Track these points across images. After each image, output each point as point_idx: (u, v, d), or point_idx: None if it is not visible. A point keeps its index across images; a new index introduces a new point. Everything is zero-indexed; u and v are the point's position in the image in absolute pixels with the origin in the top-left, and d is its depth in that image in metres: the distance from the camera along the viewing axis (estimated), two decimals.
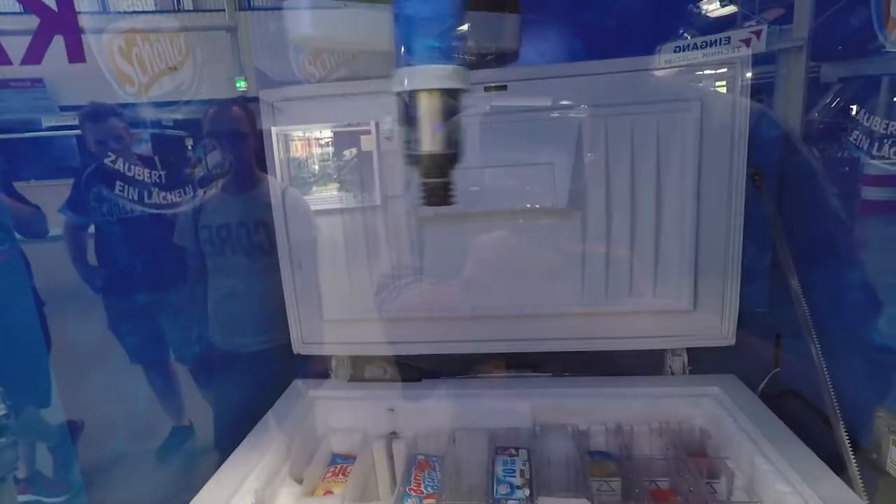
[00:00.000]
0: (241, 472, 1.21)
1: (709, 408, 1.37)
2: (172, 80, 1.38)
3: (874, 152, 1.12)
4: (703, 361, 1.49)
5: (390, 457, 1.51)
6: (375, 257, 1.54)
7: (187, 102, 1.46)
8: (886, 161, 1.08)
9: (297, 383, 1.64)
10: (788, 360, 1.39)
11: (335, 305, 1.58)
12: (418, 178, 0.88)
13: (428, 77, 0.80)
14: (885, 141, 1.09)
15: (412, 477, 1.37)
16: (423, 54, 0.81)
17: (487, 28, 1.50)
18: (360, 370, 1.68)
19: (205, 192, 1.47)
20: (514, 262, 1.46)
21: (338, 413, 1.57)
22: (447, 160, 0.85)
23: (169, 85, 1.37)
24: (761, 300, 1.48)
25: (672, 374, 1.49)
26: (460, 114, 0.84)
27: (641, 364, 1.53)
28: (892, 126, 1.07)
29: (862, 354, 1.13)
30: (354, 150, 1.52)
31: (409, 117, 0.84)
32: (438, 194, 0.91)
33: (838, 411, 1.10)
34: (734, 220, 1.37)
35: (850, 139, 1.28)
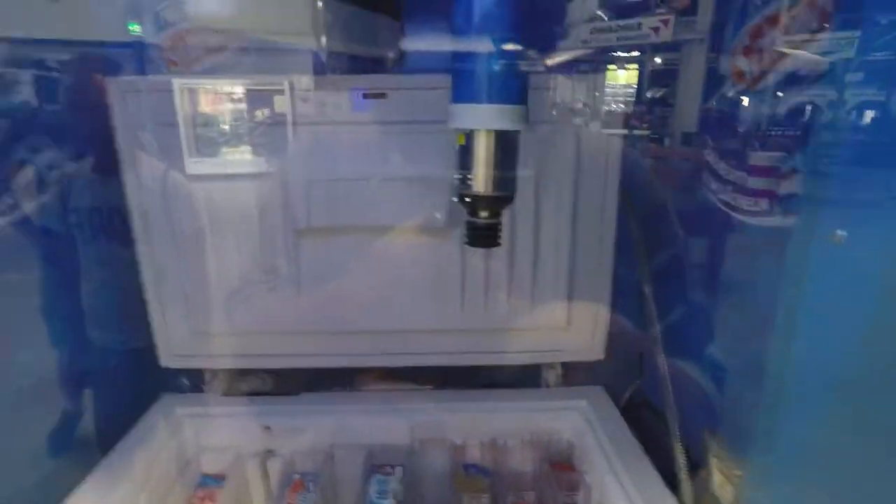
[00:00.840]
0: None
1: (575, 420, 1.45)
2: None
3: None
4: (578, 373, 1.57)
5: (266, 477, 1.46)
6: (249, 268, 1.45)
7: None
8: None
9: (166, 398, 1.53)
10: (649, 373, 1.50)
11: (206, 316, 1.48)
12: (467, 217, 0.87)
13: (488, 117, 0.79)
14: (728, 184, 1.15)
15: (285, 499, 1.34)
16: (485, 93, 0.79)
17: (368, 31, 1.42)
18: (236, 383, 1.60)
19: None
20: (393, 277, 1.43)
21: (210, 431, 1.49)
22: (500, 202, 0.85)
23: None
24: (631, 316, 1.56)
25: (547, 386, 1.55)
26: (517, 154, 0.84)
27: (520, 376, 1.58)
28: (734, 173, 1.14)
29: (702, 373, 1.23)
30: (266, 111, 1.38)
31: (463, 155, 0.83)
32: (485, 236, 0.90)
33: (678, 431, 1.19)
34: (606, 241, 1.43)
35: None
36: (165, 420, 1.45)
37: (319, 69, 1.36)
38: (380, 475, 1.37)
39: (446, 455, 1.41)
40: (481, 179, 0.84)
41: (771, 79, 1.06)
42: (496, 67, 0.81)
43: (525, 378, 1.58)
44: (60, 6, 1.57)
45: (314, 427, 1.46)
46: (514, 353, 1.50)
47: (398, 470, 1.39)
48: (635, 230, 1.40)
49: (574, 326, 1.49)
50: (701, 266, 1.37)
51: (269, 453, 1.48)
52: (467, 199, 0.88)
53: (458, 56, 0.84)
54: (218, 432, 1.49)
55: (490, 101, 0.80)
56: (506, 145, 0.84)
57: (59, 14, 1.56)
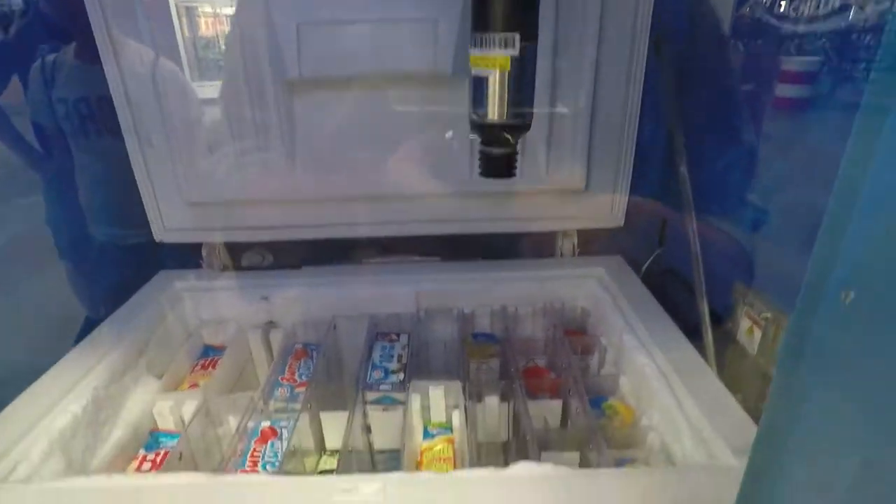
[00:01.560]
0: (79, 368, 1.08)
1: (591, 288, 1.36)
2: None
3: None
4: (594, 244, 1.47)
5: (269, 348, 1.42)
6: (239, 130, 1.33)
7: None
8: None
9: (162, 274, 1.47)
10: (671, 241, 1.39)
11: (197, 186, 1.38)
12: (480, 146, 0.84)
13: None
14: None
15: (287, 366, 1.30)
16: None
17: None
18: (235, 259, 1.53)
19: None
20: (397, 137, 1.30)
21: (209, 304, 1.44)
22: (515, 130, 0.80)
23: None
24: (654, 181, 1.44)
25: (562, 255, 1.46)
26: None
27: (533, 247, 1.48)
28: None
29: (735, 233, 1.11)
30: None
31: (476, 81, 0.79)
32: (499, 166, 0.86)
33: (704, 286, 1.10)
34: (632, 96, 1.27)
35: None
36: (163, 293, 1.39)
37: None
38: (384, 342, 1.31)
39: (454, 324, 1.34)
40: (495, 109, 0.80)
41: None
42: None
43: (538, 249, 1.48)
44: None
45: (316, 298, 1.40)
46: (527, 219, 1.39)
47: (403, 337, 1.33)
48: (668, 81, 1.24)
49: (593, 190, 1.37)
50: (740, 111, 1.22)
51: (270, 325, 1.43)
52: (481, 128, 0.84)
53: None
54: (218, 305, 1.43)
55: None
56: (520, 72, 0.79)
57: None
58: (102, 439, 1.05)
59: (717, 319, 1.09)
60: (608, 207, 1.39)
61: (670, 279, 1.34)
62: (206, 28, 1.41)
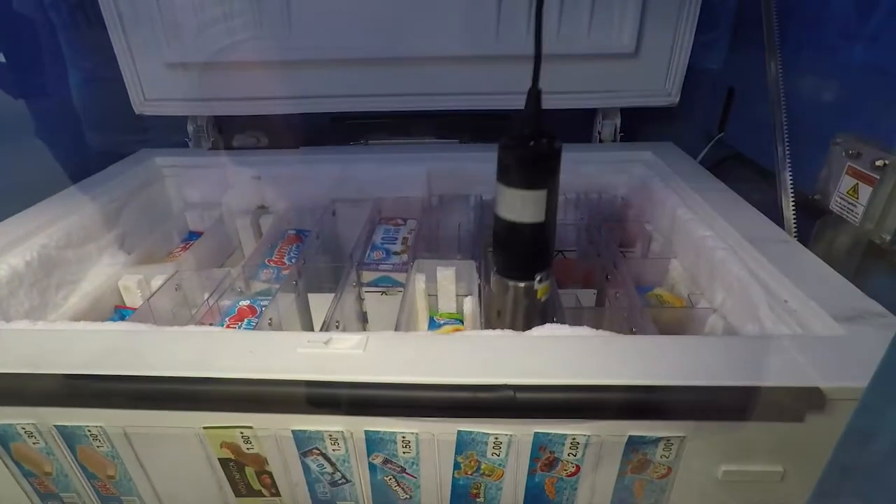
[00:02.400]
0: (30, 225, 0.92)
1: (637, 174, 1.14)
2: None
3: None
4: (638, 127, 1.24)
5: (259, 234, 1.25)
6: None
7: None
8: None
9: (143, 152, 1.31)
10: (739, 121, 1.15)
11: (180, 43, 1.19)
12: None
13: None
14: None
15: (276, 250, 1.12)
16: None
17: None
18: (225, 138, 1.35)
19: None
20: None
21: (194, 185, 1.28)
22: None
23: None
24: (717, 54, 1.19)
25: (601, 141, 1.24)
26: None
27: (567, 129, 1.26)
28: None
29: (833, 79, 0.87)
30: None
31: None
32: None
33: (786, 132, 0.87)
34: None
35: None
36: (142, 168, 1.23)
37: None
38: (388, 225, 1.13)
39: (470, 212, 1.15)
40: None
41: None
42: None
43: (576, 134, 1.27)
44: None
45: (313, 180, 1.21)
46: (563, 93, 1.16)
47: (411, 222, 1.14)
48: None
49: (644, 56, 1.13)
50: None
51: (261, 209, 1.26)
52: None
53: None
54: (202, 186, 1.27)
55: None
56: None
57: None
58: (55, 305, 0.91)
59: (802, 198, 0.86)
60: (661, 81, 1.16)
61: (736, 166, 1.11)
62: None
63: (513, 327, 0.72)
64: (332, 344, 0.58)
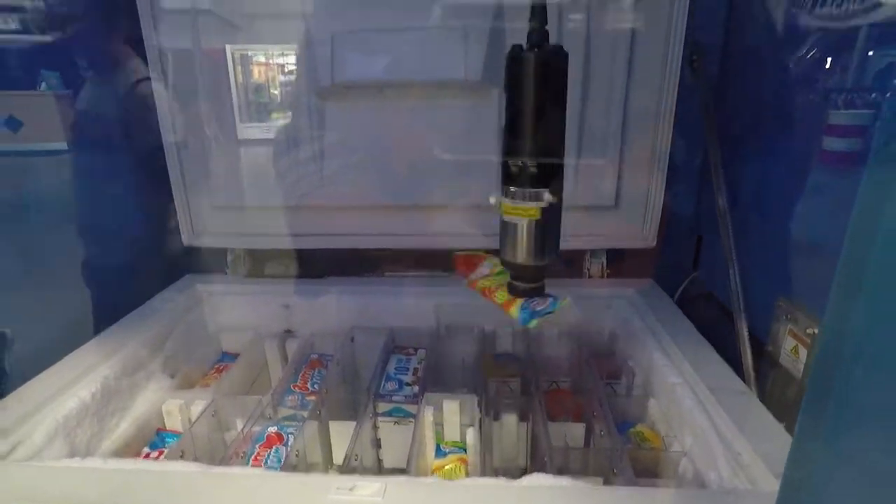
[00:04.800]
0: (94, 357, 1.07)
1: (621, 310, 1.29)
2: None
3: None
4: (623, 265, 1.41)
5: (285, 357, 1.39)
6: (272, 137, 1.36)
7: None
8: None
9: (188, 278, 1.49)
10: (707, 264, 1.31)
11: (227, 190, 1.41)
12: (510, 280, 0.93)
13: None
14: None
15: (300, 374, 1.26)
16: None
17: None
18: (259, 266, 1.53)
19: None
20: (425, 145, 1.30)
21: (230, 310, 1.44)
22: (541, 269, 0.90)
23: None
24: (687, 201, 1.38)
25: (590, 277, 1.40)
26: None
27: (559, 266, 1.43)
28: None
29: (774, 251, 1.04)
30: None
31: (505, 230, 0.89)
32: (525, 293, 0.93)
33: (742, 304, 1.02)
34: (665, 110, 1.24)
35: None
36: (186, 295, 1.40)
37: None
38: (400, 355, 1.27)
39: (474, 342, 1.29)
40: (524, 252, 0.88)
41: None
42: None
43: (564, 269, 1.43)
44: None
45: (335, 308, 1.38)
46: None
47: (421, 352, 1.28)
48: (704, 91, 1.21)
49: (624, 208, 1.32)
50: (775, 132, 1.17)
51: (288, 333, 1.41)
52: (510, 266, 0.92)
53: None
54: (238, 311, 1.43)
55: None
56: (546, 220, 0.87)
57: None
58: (109, 430, 1.03)
59: (759, 345, 1.00)
60: (639, 227, 1.34)
61: (707, 304, 1.26)
62: (257, 74, 1.43)
63: None
64: (357, 491, 0.70)
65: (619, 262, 1.39)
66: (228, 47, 1.31)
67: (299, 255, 1.50)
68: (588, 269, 1.39)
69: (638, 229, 1.34)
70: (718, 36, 1.28)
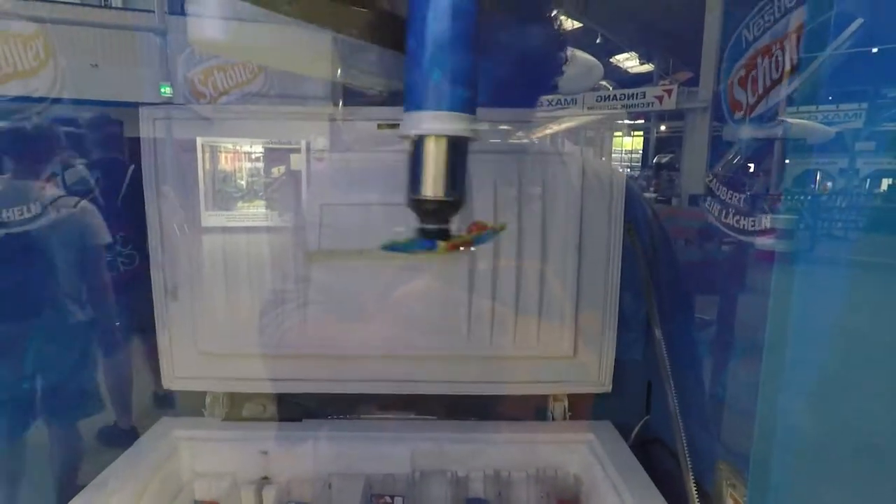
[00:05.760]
0: None
1: (583, 455, 1.40)
2: (23, 85, 1.24)
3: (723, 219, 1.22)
4: (583, 407, 1.53)
5: None
6: (257, 288, 1.47)
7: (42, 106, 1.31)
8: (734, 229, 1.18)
9: (164, 421, 1.51)
10: (658, 407, 1.46)
11: (211, 337, 1.48)
12: (418, 223, 0.87)
13: (437, 123, 0.80)
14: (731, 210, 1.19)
15: None
16: (434, 100, 0.80)
17: (384, 66, 1.51)
18: (237, 408, 1.57)
19: (58, 212, 1.33)
20: (399, 301, 1.43)
21: (206, 455, 1.46)
22: (449, 206, 0.85)
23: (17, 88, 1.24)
24: (637, 349, 1.55)
25: (553, 419, 1.51)
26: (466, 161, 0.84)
27: (525, 408, 1.54)
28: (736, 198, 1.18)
29: (712, 407, 1.20)
30: (282, 169, 1.46)
31: (414, 161, 0.83)
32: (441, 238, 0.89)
33: (689, 461, 1.15)
34: (612, 272, 1.44)
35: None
36: (161, 443, 1.42)
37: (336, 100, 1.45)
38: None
39: (448, 487, 1.35)
40: (430, 184, 0.83)
41: (767, 104, 1.10)
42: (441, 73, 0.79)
43: (530, 411, 1.54)
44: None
45: (313, 453, 1.42)
46: (520, 382, 1.48)
47: (398, 500, 1.33)
48: (642, 263, 1.41)
49: (581, 357, 1.47)
50: (706, 299, 1.38)
51: (264, 480, 1.43)
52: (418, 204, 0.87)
53: (408, 66, 0.84)
54: (214, 457, 1.45)
55: (438, 107, 0.81)
56: (453, 152, 0.84)
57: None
58: None
59: (706, 496, 1.12)
60: (595, 373, 1.48)
61: (658, 449, 1.38)
62: (224, 163, 1.54)
63: None
64: None
65: (580, 404, 1.52)
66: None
67: (278, 397, 1.56)
68: (552, 412, 1.51)
69: (595, 375, 1.48)
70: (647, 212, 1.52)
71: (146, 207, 1.42)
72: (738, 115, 1.19)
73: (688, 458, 1.14)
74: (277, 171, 1.38)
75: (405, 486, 1.37)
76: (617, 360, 1.49)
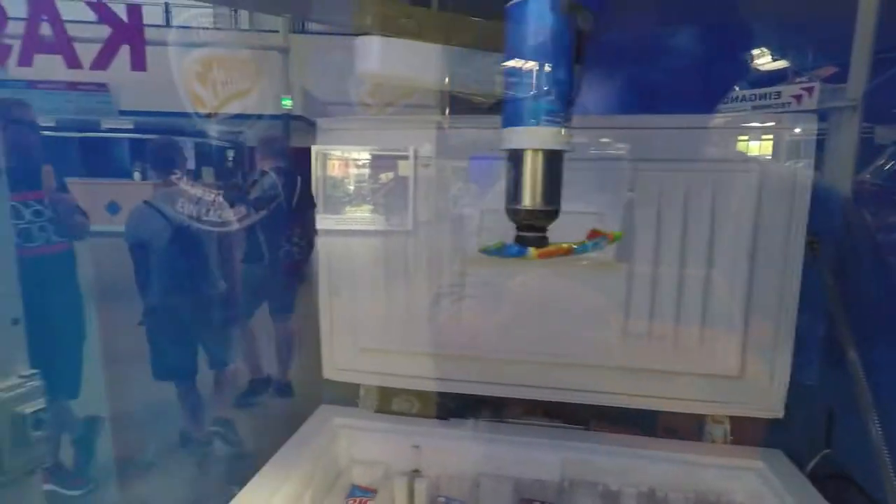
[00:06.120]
0: (262, 497, 1.20)
1: (752, 483, 1.30)
2: (240, 104, 1.43)
3: None
4: (746, 432, 1.42)
5: (411, 495, 1.47)
6: (413, 289, 1.54)
7: (249, 122, 1.50)
8: None
9: (324, 408, 1.63)
10: (841, 440, 1.31)
11: (370, 334, 1.58)
12: (517, 231, 0.93)
13: (535, 138, 0.86)
14: None
15: None
16: (533, 116, 0.86)
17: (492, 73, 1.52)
18: (387, 402, 1.66)
19: (258, 213, 1.50)
20: (556, 308, 1.43)
21: (362, 444, 1.55)
22: (545, 216, 0.90)
23: (236, 107, 1.42)
24: (813, 373, 1.41)
25: (713, 441, 1.42)
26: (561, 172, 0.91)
27: (680, 428, 1.46)
28: None
29: None
30: (391, 175, 1.54)
31: (511, 173, 0.90)
32: (538, 245, 0.94)
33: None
34: (789, 287, 1.32)
35: None
36: (324, 428, 1.53)
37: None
38: None
39: (599, 499, 1.32)
40: (528, 194, 0.89)
41: None
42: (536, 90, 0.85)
43: (686, 432, 1.46)
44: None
45: (462, 452, 1.46)
46: (678, 399, 1.40)
47: None
48: (826, 273, 1.29)
49: (748, 377, 1.37)
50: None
51: (415, 473, 1.49)
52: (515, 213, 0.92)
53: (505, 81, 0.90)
54: (370, 446, 1.54)
55: (535, 123, 0.86)
56: (547, 164, 0.89)
57: None
58: None
59: None
60: (765, 396, 1.37)
61: (844, 487, 1.24)
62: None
63: None
64: None
65: (744, 429, 1.41)
66: None
67: (426, 394, 1.62)
68: (711, 434, 1.42)
69: (764, 398, 1.37)
70: (837, 222, 1.37)
71: (316, 211, 1.56)
72: None
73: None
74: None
75: (554, 493, 1.36)
76: (790, 385, 1.36)
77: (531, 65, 0.86)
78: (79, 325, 2.17)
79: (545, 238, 0.93)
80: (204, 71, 1.36)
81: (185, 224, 1.46)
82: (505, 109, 0.90)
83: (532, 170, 0.88)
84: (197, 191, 1.45)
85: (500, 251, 0.94)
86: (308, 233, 1.59)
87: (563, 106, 0.86)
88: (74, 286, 2.17)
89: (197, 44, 1.51)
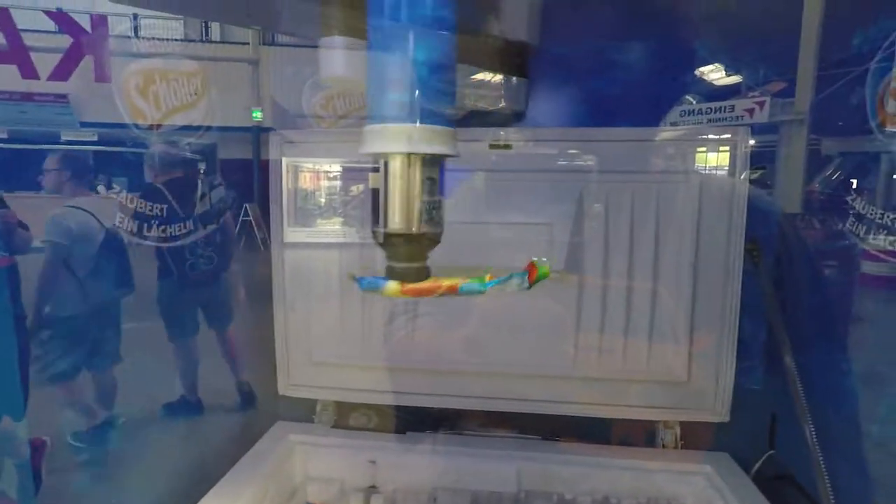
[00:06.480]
0: None
1: (700, 487, 1.33)
2: (185, 116, 1.41)
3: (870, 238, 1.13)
4: (695, 437, 1.45)
5: None
6: (370, 302, 1.53)
7: (197, 134, 1.48)
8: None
9: (280, 425, 1.60)
10: (784, 442, 1.36)
11: (325, 348, 1.56)
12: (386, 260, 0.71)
13: (402, 139, 0.63)
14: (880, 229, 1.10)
15: None
16: (402, 111, 0.64)
17: (497, 89, 1.55)
18: (344, 417, 1.64)
19: (205, 227, 1.47)
20: (508, 320, 1.45)
21: (317, 460, 1.53)
22: (418, 242, 0.68)
23: (181, 120, 1.40)
24: (756, 377, 1.45)
25: (664, 447, 1.45)
26: (441, 185, 0.70)
27: (632, 434, 1.49)
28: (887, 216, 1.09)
29: (860, 443, 1.10)
30: (360, 187, 1.54)
31: (376, 192, 0.68)
32: (408, 280, 0.72)
33: (833, 501, 1.06)
34: (730, 294, 1.37)
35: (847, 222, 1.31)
36: (279, 445, 1.50)
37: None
38: None
39: None
40: (396, 213, 0.67)
41: None
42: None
43: (638, 437, 1.48)
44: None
45: (419, 466, 1.45)
46: (629, 406, 1.43)
47: None
48: (765, 280, 1.34)
49: (695, 382, 1.40)
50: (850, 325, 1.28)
51: (372, 489, 1.47)
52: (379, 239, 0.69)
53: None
54: (325, 462, 1.52)
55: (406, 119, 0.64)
56: (425, 174, 0.67)
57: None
58: None
59: None
60: (711, 401, 1.41)
61: (787, 487, 1.28)
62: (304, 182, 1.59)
63: None
64: None
65: (693, 433, 1.44)
66: None
67: (384, 409, 1.61)
68: (662, 439, 1.45)
69: (710, 403, 1.41)
70: (774, 230, 1.43)
71: (271, 224, 1.54)
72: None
73: (831, 496, 1.05)
74: None
75: None
76: (734, 389, 1.40)
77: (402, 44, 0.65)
78: (16, 346, 2.08)
79: (423, 269, 0.72)
80: (145, 83, 1.34)
81: (119, 236, 1.43)
82: (369, 104, 0.69)
83: (401, 181, 0.66)
84: (136, 205, 1.42)
85: (360, 280, 0.76)
86: (227, 245, 1.57)
87: (446, 99, 0.66)
88: (15, 302, 2.08)
89: (141, 55, 1.49)
